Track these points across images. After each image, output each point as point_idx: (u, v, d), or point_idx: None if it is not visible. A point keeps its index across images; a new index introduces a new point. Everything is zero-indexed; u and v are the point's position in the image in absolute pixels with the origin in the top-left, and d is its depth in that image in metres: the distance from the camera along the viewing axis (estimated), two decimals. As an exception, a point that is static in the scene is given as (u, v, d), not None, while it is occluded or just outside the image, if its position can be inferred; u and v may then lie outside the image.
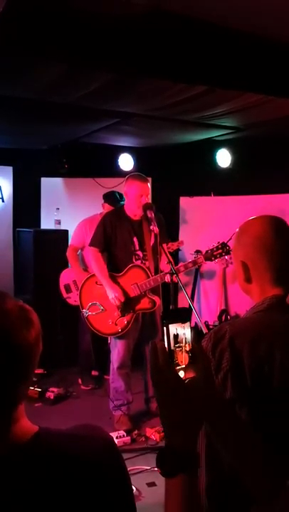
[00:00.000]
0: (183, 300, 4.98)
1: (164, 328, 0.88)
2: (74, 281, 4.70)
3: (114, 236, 3.79)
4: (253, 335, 1.16)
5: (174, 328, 0.88)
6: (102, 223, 3.85)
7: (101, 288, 3.77)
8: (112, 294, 3.67)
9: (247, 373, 1.11)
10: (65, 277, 4.79)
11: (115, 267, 3.82)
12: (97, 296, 3.81)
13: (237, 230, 1.33)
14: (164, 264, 3.64)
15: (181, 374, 0.87)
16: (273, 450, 1.08)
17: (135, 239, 3.79)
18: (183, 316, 0.90)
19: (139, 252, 3.80)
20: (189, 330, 0.89)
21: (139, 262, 3.78)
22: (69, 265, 4.78)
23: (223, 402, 1.10)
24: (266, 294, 1.24)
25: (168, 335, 0.87)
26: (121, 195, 4.60)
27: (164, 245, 3.49)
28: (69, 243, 4.82)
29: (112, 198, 4.68)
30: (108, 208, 4.60)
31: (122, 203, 4.45)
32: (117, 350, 3.83)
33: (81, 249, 4.78)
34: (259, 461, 1.08)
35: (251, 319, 1.23)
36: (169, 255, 3.41)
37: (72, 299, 4.71)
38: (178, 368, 0.87)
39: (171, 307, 4.01)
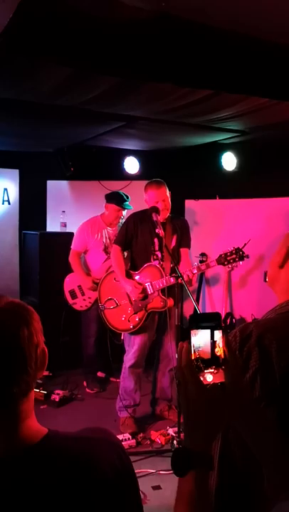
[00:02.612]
0: (189, 303, 4.98)
1: (190, 331, 0.88)
2: (79, 286, 4.66)
3: (135, 235, 3.94)
4: (280, 334, 1.16)
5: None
6: (126, 223, 4.04)
7: (118, 284, 3.91)
8: (128, 289, 3.79)
9: (276, 372, 1.11)
10: (70, 283, 4.73)
11: (134, 265, 3.97)
12: (114, 291, 3.94)
13: None
14: (183, 267, 3.73)
15: (210, 378, 0.87)
16: None
17: (156, 239, 3.85)
18: (196, 322, 0.89)
19: (158, 253, 3.86)
20: (198, 338, 0.88)
21: (156, 262, 3.83)
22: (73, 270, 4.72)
23: (251, 402, 1.10)
24: None
25: (189, 339, 0.88)
26: (126, 195, 4.62)
27: (170, 248, 3.53)
28: (71, 247, 4.74)
29: (117, 197, 4.59)
30: (112, 208, 4.58)
31: (127, 203, 4.54)
32: (133, 349, 3.87)
33: (84, 253, 4.74)
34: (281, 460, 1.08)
35: (276, 319, 1.24)
36: (174, 258, 3.44)
37: (78, 304, 4.68)
38: (206, 371, 0.87)
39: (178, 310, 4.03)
